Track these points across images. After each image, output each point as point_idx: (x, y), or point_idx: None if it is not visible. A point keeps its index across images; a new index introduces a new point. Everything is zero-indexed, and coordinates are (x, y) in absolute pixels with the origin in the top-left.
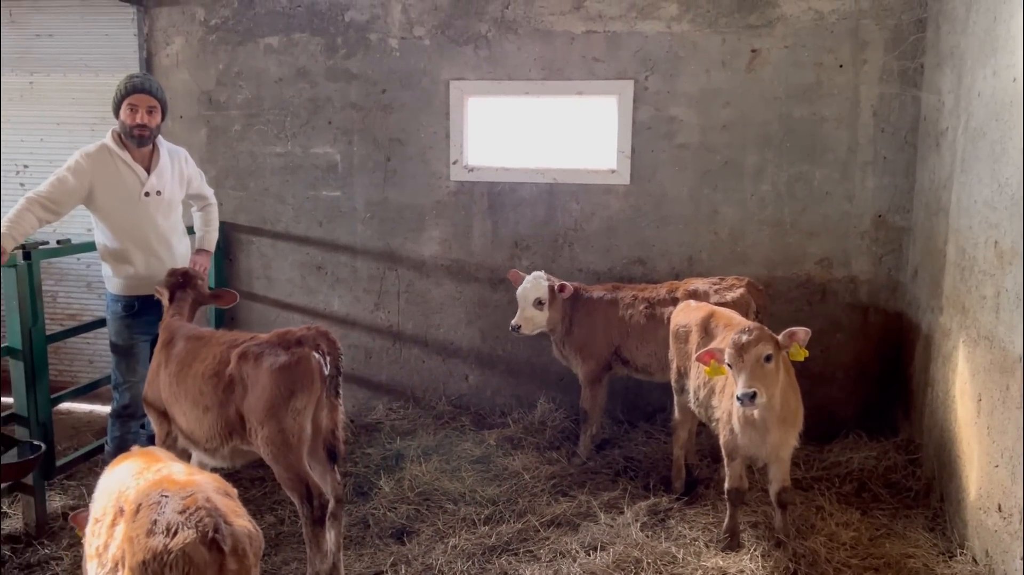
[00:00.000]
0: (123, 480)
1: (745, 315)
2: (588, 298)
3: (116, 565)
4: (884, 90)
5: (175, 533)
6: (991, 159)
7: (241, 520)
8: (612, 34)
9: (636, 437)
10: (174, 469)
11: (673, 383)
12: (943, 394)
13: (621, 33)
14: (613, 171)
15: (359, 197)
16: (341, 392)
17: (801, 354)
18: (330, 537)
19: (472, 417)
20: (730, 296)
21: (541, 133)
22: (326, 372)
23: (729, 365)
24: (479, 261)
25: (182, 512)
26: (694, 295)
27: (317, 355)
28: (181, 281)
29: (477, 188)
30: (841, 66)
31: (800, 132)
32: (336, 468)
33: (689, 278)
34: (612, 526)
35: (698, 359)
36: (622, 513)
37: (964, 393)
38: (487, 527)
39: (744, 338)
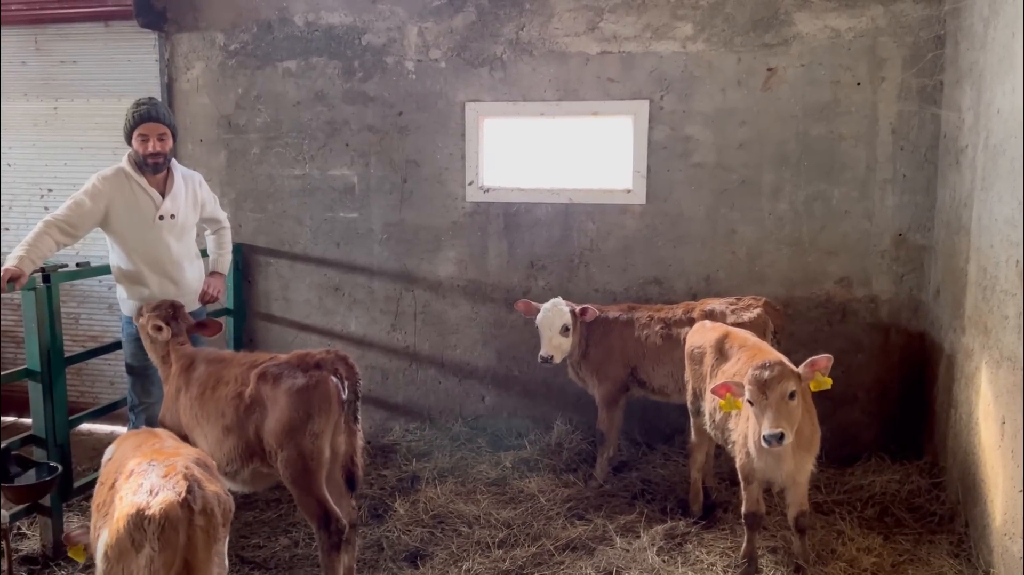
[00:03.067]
0: (126, 451)
1: (762, 336)
2: (604, 319)
3: (105, 520)
4: (903, 107)
5: (156, 494)
6: (1011, 177)
7: (212, 486)
8: (627, 55)
9: (654, 459)
10: (166, 444)
11: (689, 405)
12: (966, 416)
13: (636, 54)
14: (629, 191)
15: (376, 218)
16: (360, 418)
17: (826, 383)
18: (343, 561)
19: (488, 438)
20: (747, 316)
21: (556, 154)
22: (344, 396)
23: (749, 401)
24: (495, 281)
25: (164, 477)
26: (711, 315)
27: (335, 379)
28: (173, 312)
29: (493, 209)
30: (859, 84)
31: (818, 150)
32: (353, 494)
33: (706, 298)
34: (628, 550)
35: (713, 392)
36: (639, 537)
37: (988, 415)
38: (501, 551)
39: (767, 375)
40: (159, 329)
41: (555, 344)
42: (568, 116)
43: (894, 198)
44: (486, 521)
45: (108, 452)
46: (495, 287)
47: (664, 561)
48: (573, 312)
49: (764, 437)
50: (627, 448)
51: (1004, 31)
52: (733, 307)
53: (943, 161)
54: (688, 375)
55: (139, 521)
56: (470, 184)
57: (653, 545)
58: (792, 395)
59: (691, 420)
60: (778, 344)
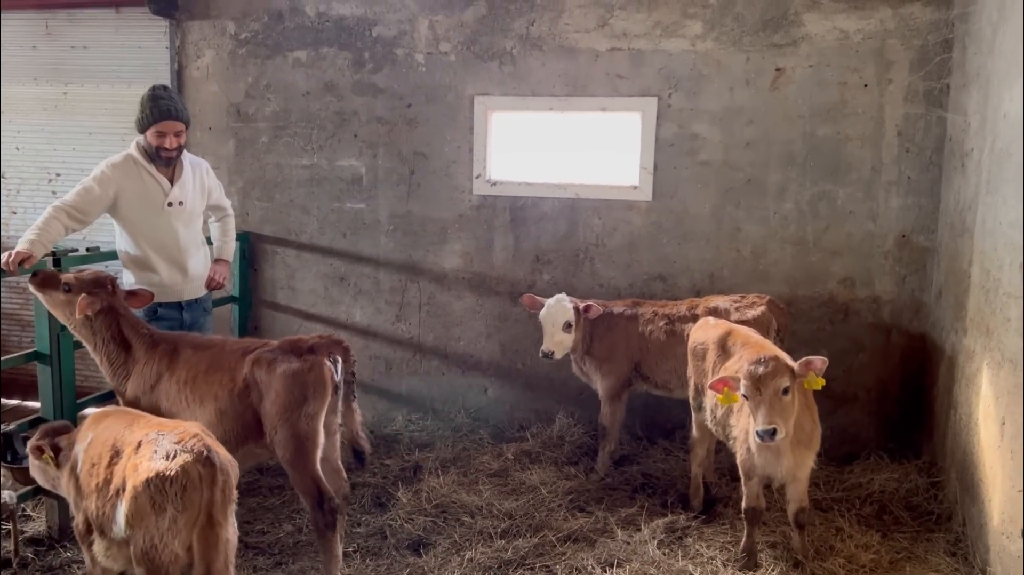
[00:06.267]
0: (115, 430)
1: (765, 334)
2: (608, 313)
3: (116, 494)
4: (909, 110)
5: (174, 456)
6: (1016, 181)
7: (223, 450)
8: (636, 52)
9: (655, 454)
10: (161, 419)
11: (691, 400)
12: (966, 417)
13: (645, 51)
14: (635, 187)
15: (383, 210)
16: (356, 396)
17: (818, 383)
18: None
19: (490, 430)
20: (751, 314)
21: (564, 149)
22: (338, 379)
23: (745, 396)
24: (500, 275)
25: (178, 442)
26: (714, 312)
27: (329, 363)
28: (112, 288)
29: (499, 202)
30: (866, 86)
31: (824, 151)
32: (363, 467)
33: (710, 295)
34: (629, 543)
35: (711, 387)
36: (639, 530)
37: (988, 416)
38: (503, 541)
39: (761, 370)
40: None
41: (557, 340)
42: (576, 111)
43: (898, 200)
44: (488, 511)
45: (84, 436)
46: (500, 280)
47: (664, 554)
48: (576, 309)
49: (757, 432)
50: (628, 442)
51: (1012, 37)
52: (737, 304)
53: (948, 164)
54: (691, 371)
55: (160, 484)
56: (477, 177)
57: (654, 538)
58: (786, 391)
59: (693, 416)
60: (781, 343)
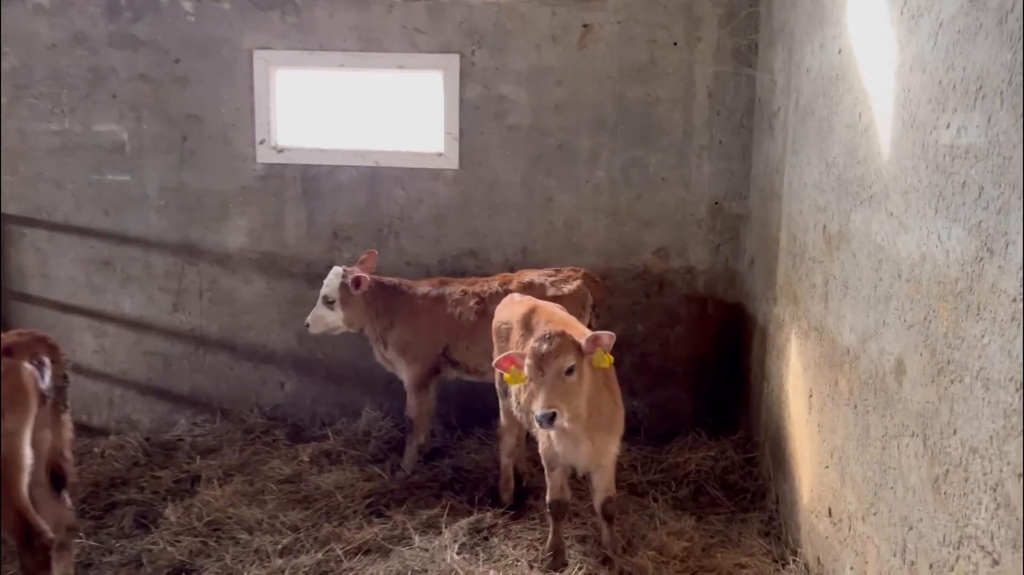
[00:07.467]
0: None
1: (582, 308)
2: (412, 295)
3: None
4: (718, 69)
5: None
6: (819, 138)
7: None
8: (435, 3)
9: (469, 444)
10: None
11: (497, 385)
12: (777, 389)
13: (445, 2)
14: (440, 154)
15: (151, 182)
16: (68, 406)
17: (606, 360)
18: (58, 569)
19: (289, 430)
20: (567, 289)
21: (361, 112)
22: (44, 386)
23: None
24: (293, 254)
25: None
26: (529, 288)
27: (31, 366)
28: None
29: (288, 171)
30: (675, 44)
31: (634, 113)
32: (65, 493)
33: (523, 270)
34: (427, 550)
35: (497, 365)
36: (440, 533)
37: (796, 388)
38: (282, 560)
39: (544, 348)
40: None
41: (318, 314)
42: (371, 69)
43: (710, 165)
44: (270, 526)
45: None
46: (293, 260)
47: (465, 558)
48: (345, 285)
49: (536, 417)
50: (441, 433)
51: None
52: (552, 279)
53: (758, 127)
54: (496, 353)
55: None
56: (261, 143)
57: (455, 542)
58: (571, 371)
59: (500, 402)
60: (597, 318)
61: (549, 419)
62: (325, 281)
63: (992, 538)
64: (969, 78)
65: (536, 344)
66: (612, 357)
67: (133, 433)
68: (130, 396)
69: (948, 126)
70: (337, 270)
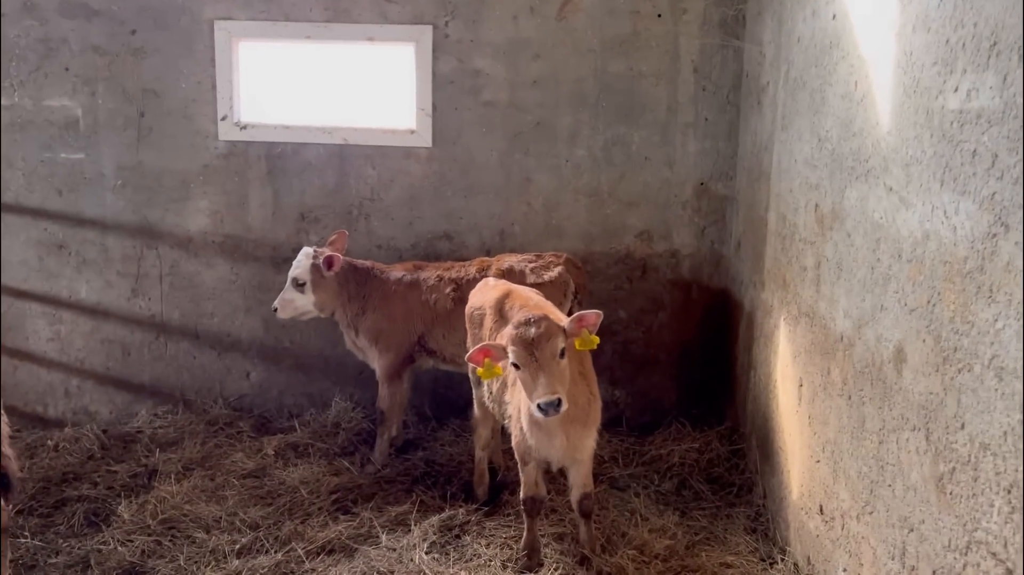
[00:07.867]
0: None
1: (563, 296)
2: (385, 279)
3: None
4: (705, 42)
5: None
6: (811, 111)
7: None
8: None
9: (444, 436)
10: None
11: (470, 375)
12: (765, 378)
13: None
14: (413, 131)
15: (107, 160)
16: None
17: (593, 342)
18: None
19: (254, 421)
20: (548, 276)
21: (328, 86)
22: None
23: (515, 365)
24: (258, 237)
25: None
26: (508, 274)
27: None
28: None
29: (253, 149)
30: (660, 15)
31: (617, 89)
32: (9, 496)
33: (502, 254)
34: (395, 549)
35: (468, 359)
36: (409, 531)
37: (786, 377)
38: (240, 560)
39: (533, 332)
40: None
41: (286, 298)
42: (340, 41)
43: (696, 143)
44: (229, 524)
45: None
46: (259, 243)
47: (434, 558)
48: (316, 267)
49: (539, 406)
50: (415, 424)
51: None
52: (533, 265)
53: (745, 102)
54: (469, 340)
55: None
56: (223, 119)
57: (425, 540)
58: (562, 354)
59: (473, 391)
60: (579, 304)
61: (555, 406)
62: (295, 262)
63: (1006, 544)
64: (981, 34)
65: (521, 329)
66: (598, 339)
67: (90, 425)
68: (87, 386)
69: (956, 89)
70: (307, 250)
